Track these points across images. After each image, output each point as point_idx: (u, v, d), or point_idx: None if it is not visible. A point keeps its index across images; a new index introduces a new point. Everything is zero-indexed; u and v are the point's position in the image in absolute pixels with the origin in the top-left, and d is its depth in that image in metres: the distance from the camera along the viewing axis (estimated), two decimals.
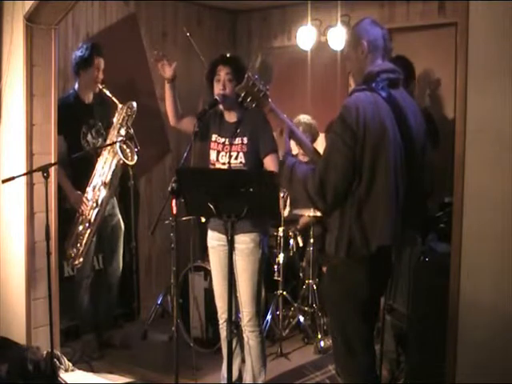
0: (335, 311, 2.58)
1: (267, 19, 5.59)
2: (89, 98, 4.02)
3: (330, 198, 2.35)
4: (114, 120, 3.92)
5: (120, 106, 3.92)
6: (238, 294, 3.16)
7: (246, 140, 3.14)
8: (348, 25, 4.98)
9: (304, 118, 4.58)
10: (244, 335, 3.23)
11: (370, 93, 2.39)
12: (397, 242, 2.45)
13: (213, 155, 3.22)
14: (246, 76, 2.58)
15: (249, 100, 2.58)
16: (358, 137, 2.30)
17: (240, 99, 2.62)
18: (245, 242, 3.11)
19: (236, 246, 3.07)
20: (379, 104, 2.37)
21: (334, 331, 2.63)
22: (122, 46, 4.07)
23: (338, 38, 4.91)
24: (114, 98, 3.93)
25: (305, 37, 5.07)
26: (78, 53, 3.93)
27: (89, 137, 3.97)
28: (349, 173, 2.33)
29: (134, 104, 3.93)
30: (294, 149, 2.87)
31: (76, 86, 3.99)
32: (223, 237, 3.09)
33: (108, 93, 3.93)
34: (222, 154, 3.19)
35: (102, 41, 4.24)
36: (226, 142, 3.18)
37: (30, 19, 3.50)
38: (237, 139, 3.15)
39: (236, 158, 3.14)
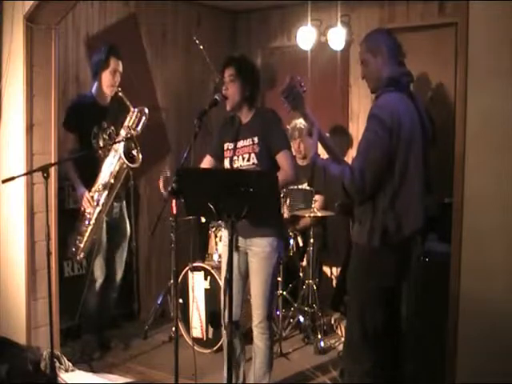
0: (359, 298, 2.68)
1: (267, 19, 5.58)
2: (105, 100, 4.01)
3: (368, 191, 2.53)
4: (125, 123, 3.89)
5: (132, 109, 3.89)
6: (251, 296, 3.16)
7: (256, 140, 3.09)
8: (348, 25, 4.98)
9: (301, 122, 4.58)
10: (253, 337, 3.20)
11: (398, 93, 2.58)
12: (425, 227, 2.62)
13: (226, 163, 3.19)
14: (289, 77, 2.72)
15: (288, 101, 2.72)
16: (392, 132, 2.48)
17: (282, 99, 2.72)
18: (261, 245, 3.08)
19: (252, 248, 3.09)
20: (408, 103, 2.58)
21: (353, 319, 2.71)
22: (122, 46, 4.06)
23: (338, 37, 4.91)
24: (128, 103, 3.87)
25: (305, 37, 5.07)
26: (97, 55, 3.93)
27: (100, 138, 3.96)
28: (385, 167, 2.51)
29: (146, 110, 3.89)
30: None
31: (94, 87, 3.99)
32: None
33: (123, 96, 3.88)
34: (235, 158, 3.15)
35: (102, 41, 4.23)
36: (237, 145, 3.15)
37: (30, 19, 3.50)
38: (247, 140, 3.11)
39: (248, 160, 3.10)
